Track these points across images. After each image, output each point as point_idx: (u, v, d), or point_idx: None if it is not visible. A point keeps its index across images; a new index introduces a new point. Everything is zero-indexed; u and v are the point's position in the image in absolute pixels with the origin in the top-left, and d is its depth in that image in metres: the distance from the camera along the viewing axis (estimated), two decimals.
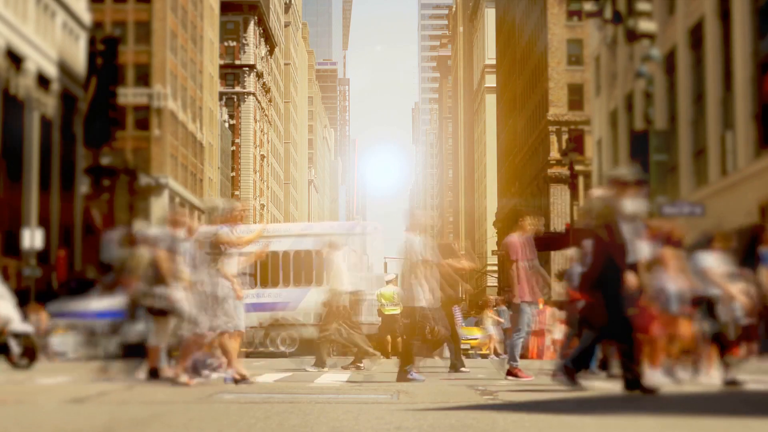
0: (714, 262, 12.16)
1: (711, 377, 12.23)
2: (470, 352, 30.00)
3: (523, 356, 16.52)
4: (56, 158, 58.37)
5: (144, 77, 77.80)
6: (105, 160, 65.42)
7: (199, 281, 11.54)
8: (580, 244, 13.43)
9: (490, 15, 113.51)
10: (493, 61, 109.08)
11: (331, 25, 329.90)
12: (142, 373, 12.79)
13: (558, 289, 24.30)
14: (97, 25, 69.94)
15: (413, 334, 13.01)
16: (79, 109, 62.60)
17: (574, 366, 10.27)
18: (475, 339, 30.44)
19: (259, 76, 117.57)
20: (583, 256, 12.23)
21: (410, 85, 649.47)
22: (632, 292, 9.63)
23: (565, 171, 56.16)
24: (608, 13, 25.36)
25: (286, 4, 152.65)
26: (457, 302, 17.52)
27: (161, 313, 12.08)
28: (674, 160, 34.84)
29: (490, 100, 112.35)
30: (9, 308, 16.54)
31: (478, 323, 31.61)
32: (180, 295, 11.85)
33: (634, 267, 9.64)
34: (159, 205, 75.99)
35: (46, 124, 56.78)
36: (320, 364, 16.84)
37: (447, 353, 19.62)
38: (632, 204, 9.74)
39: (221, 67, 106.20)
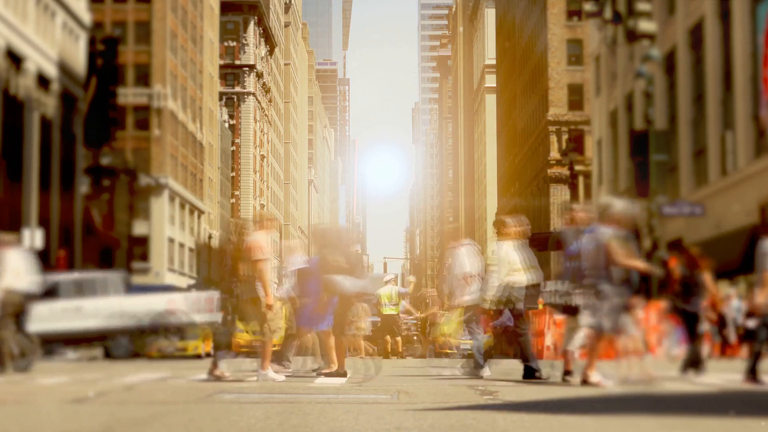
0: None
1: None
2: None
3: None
4: (56, 158, 58.32)
5: (144, 77, 77.77)
6: (105, 160, 65.32)
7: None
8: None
9: (490, 15, 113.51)
10: (493, 61, 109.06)
11: (331, 25, 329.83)
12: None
13: None
14: (97, 25, 69.87)
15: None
16: (79, 109, 62.53)
17: None
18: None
19: (259, 76, 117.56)
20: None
21: (410, 85, 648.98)
22: None
23: (565, 171, 56.14)
24: (608, 13, 25.40)
25: (286, 4, 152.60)
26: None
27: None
28: (674, 160, 34.85)
29: (490, 100, 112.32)
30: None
31: None
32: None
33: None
34: (159, 205, 76.01)
35: (46, 124, 56.74)
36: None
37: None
38: None
39: (221, 67, 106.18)
